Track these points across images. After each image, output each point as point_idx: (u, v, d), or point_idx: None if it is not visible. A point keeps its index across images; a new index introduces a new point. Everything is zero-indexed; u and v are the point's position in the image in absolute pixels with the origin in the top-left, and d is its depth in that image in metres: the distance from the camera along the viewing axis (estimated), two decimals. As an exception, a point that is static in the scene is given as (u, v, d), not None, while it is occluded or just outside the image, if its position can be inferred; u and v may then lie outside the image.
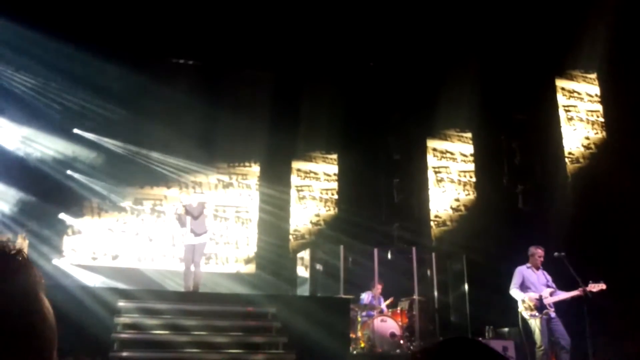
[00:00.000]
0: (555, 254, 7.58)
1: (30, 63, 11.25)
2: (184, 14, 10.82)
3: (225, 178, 13.27)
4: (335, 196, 13.56)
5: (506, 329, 9.55)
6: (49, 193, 11.40)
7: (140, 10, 10.66)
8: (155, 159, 12.48)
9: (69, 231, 11.87)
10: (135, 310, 7.64)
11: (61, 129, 11.74)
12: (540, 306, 7.45)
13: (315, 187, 13.58)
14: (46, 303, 0.82)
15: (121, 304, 7.62)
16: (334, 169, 13.78)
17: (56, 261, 11.45)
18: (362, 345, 9.22)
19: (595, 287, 7.23)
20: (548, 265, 7.82)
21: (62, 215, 11.72)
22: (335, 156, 13.83)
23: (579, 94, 13.91)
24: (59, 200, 11.60)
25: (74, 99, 11.82)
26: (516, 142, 13.28)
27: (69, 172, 11.81)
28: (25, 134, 11.54)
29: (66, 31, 10.43)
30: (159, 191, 12.56)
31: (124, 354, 6.98)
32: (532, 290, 7.61)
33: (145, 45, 11.51)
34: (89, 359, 6.54)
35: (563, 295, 7.52)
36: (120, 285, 10.03)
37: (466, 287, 11.40)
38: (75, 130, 12.02)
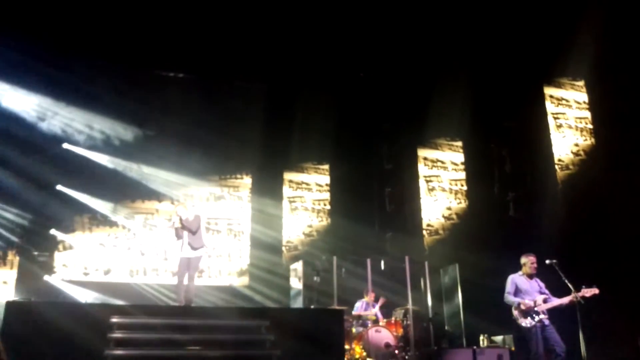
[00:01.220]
0: (547, 261, 7.59)
1: (19, 76, 11.20)
2: (175, 26, 10.82)
3: (217, 190, 13.25)
4: (328, 207, 13.57)
5: (500, 337, 9.55)
6: (39, 209, 11.32)
7: (131, 23, 10.64)
8: (146, 172, 12.43)
9: (60, 247, 11.78)
10: (128, 326, 7.55)
11: (50, 144, 11.67)
12: (533, 313, 7.46)
13: (307, 198, 13.59)
14: None
15: (114, 319, 7.53)
16: (325, 179, 13.81)
17: (47, 277, 11.35)
18: (357, 356, 9.18)
19: (588, 292, 7.25)
20: (540, 272, 7.83)
21: (53, 231, 11.63)
22: (327, 167, 13.87)
23: (567, 101, 14.04)
24: (49, 216, 11.52)
25: (62, 113, 11.77)
26: (506, 150, 13.38)
27: (58, 187, 11.73)
28: (13, 149, 11.46)
29: (55, 43, 10.42)
30: (150, 205, 12.51)
31: (117, 370, 6.89)
32: (526, 297, 7.61)
33: (136, 57, 11.50)
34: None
35: (556, 301, 7.52)
36: (113, 301, 9.95)
37: (460, 295, 11.41)
38: (65, 145, 11.95)
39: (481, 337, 9.64)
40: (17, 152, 11.08)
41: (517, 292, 7.71)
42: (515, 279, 7.81)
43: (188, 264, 8.75)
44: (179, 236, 8.79)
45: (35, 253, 11.32)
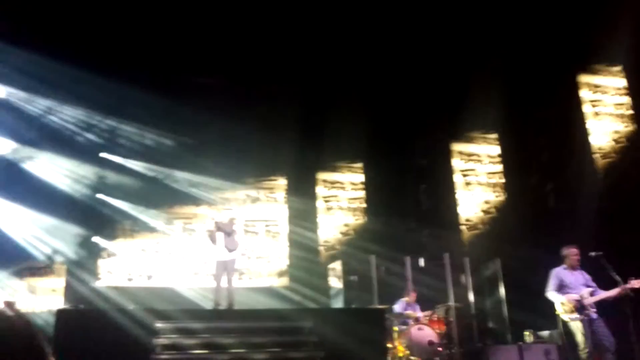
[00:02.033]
0: (592, 253, 7.38)
1: (56, 91, 11.50)
2: (208, 33, 10.94)
3: (253, 193, 13.36)
4: (363, 205, 13.54)
5: (547, 332, 9.36)
6: (82, 217, 11.63)
7: (162, 31, 10.80)
8: (184, 178, 12.64)
9: (104, 254, 12.07)
10: (172, 330, 7.70)
11: (89, 154, 11.96)
12: (580, 307, 7.26)
13: (342, 197, 13.59)
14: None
15: (159, 325, 7.69)
16: (360, 177, 13.78)
17: (93, 284, 11.64)
18: (400, 354, 9.13)
19: (637, 283, 7.03)
20: (585, 265, 7.63)
21: (96, 239, 11.92)
22: (360, 165, 13.84)
23: (604, 87, 13.66)
24: (91, 224, 11.82)
25: (100, 123, 12.06)
26: (543, 140, 13.09)
27: (99, 195, 12.02)
28: (55, 161, 11.79)
29: (90, 58, 10.65)
30: (188, 210, 12.70)
31: (164, 374, 7.03)
32: (571, 291, 7.42)
33: (169, 66, 11.68)
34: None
35: (603, 294, 7.31)
36: (156, 305, 10.13)
37: (502, 290, 11.23)
38: (102, 154, 12.23)
39: (526, 333, 9.45)
40: (59, 161, 11.39)
41: (562, 286, 7.52)
42: (559, 273, 7.62)
43: (224, 266, 8.87)
44: (213, 240, 8.92)
45: (81, 261, 11.62)
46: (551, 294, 7.49)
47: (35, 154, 11.74)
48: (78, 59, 10.40)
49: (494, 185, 13.57)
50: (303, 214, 13.25)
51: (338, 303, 11.44)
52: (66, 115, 11.89)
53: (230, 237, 8.94)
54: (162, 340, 7.52)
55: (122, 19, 10.56)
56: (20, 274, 10.98)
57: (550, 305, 7.67)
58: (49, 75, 10.86)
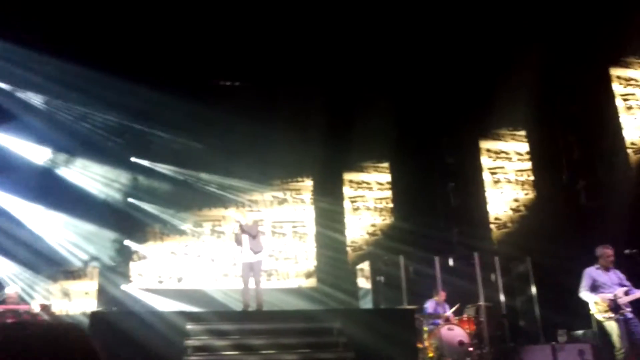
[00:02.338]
0: (627, 251, 7.23)
1: (88, 98, 11.74)
2: (231, 35, 11.02)
3: (280, 194, 13.43)
4: (390, 205, 13.48)
5: (581, 332, 9.18)
6: (113, 221, 11.85)
7: (189, 38, 10.93)
8: (211, 181, 12.79)
9: (135, 257, 12.27)
10: (203, 332, 7.78)
11: (120, 159, 12.19)
12: (614, 307, 7.11)
13: (368, 197, 13.56)
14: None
15: (189, 326, 7.78)
16: (386, 177, 13.73)
17: (124, 286, 11.85)
18: (431, 355, 9.08)
19: (674, 282, 6.86)
20: (620, 263, 7.47)
21: (127, 242, 12.13)
22: (386, 164, 13.78)
23: (636, 81, 13.33)
24: (122, 228, 12.04)
25: (131, 128, 12.27)
26: (573, 136, 12.83)
27: (130, 199, 12.23)
28: (87, 166, 12.04)
29: (119, 64, 10.84)
30: (217, 212, 12.83)
31: (196, 375, 7.11)
32: (605, 291, 7.26)
33: (197, 71, 11.81)
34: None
35: (639, 293, 7.15)
36: (187, 307, 10.27)
37: (534, 289, 11.05)
38: (133, 159, 12.45)
39: (559, 332, 9.28)
40: (92, 167, 11.63)
41: (595, 285, 7.37)
42: (592, 273, 7.45)
43: (251, 268, 8.92)
44: (239, 242, 8.97)
45: (112, 264, 11.85)
46: (585, 294, 7.34)
47: (70, 160, 12.00)
48: (109, 66, 10.60)
49: (523, 183, 13.36)
50: (330, 214, 13.26)
51: (367, 304, 11.41)
52: (98, 121, 12.12)
53: (256, 240, 8.98)
54: (193, 342, 7.61)
55: (152, 28, 10.71)
56: (55, 277, 11.24)
57: (584, 304, 7.53)
58: (81, 82, 11.08)
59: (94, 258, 11.61)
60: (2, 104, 11.29)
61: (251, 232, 8.96)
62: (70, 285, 11.43)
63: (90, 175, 12.08)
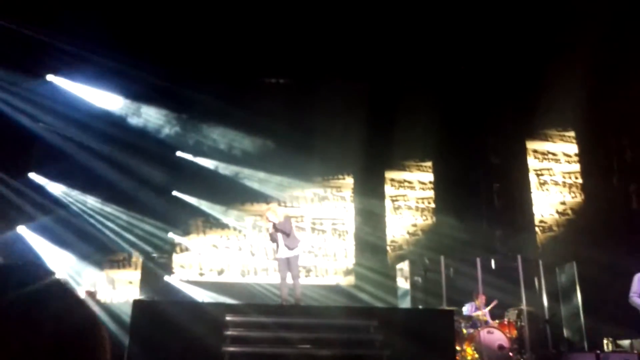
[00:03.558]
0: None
1: (131, 91, 12.04)
2: (274, 32, 11.09)
3: (321, 191, 13.46)
4: (432, 205, 13.31)
5: (628, 342, 8.84)
6: (158, 213, 12.12)
7: (229, 34, 11.06)
8: (254, 176, 12.92)
9: (178, 249, 12.54)
10: (241, 324, 7.88)
11: (165, 152, 12.45)
12: (666, 315, 6.84)
13: (410, 197, 13.43)
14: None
15: (229, 318, 7.88)
16: (429, 177, 13.56)
17: (167, 278, 12.12)
18: (469, 358, 8.92)
19: None
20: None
21: (170, 234, 12.40)
22: (429, 164, 13.62)
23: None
24: (166, 220, 12.31)
25: (175, 123, 12.53)
26: (626, 138, 12.37)
27: (174, 192, 12.49)
28: (134, 159, 12.34)
29: (164, 59, 11.08)
30: (258, 207, 12.96)
31: (234, 366, 7.20)
32: (656, 297, 7.01)
33: (240, 67, 11.95)
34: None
35: (691, 302, 6.86)
36: (227, 300, 10.42)
37: (579, 295, 10.71)
38: (178, 153, 12.71)
39: (605, 341, 8.96)
40: (137, 160, 11.93)
41: (646, 291, 7.12)
42: (643, 278, 7.21)
43: (287, 264, 8.93)
44: (274, 240, 8.99)
45: (156, 255, 12.14)
46: (634, 299, 7.10)
47: (118, 153, 12.31)
48: (160, 65, 10.86)
49: (571, 185, 12.97)
50: (370, 213, 13.21)
51: (405, 303, 11.31)
52: (147, 116, 12.41)
53: (290, 236, 8.98)
54: (231, 333, 7.71)
55: (198, 26, 10.90)
56: (101, 265, 11.61)
57: (632, 313, 7.27)
58: (135, 78, 11.36)
59: (138, 249, 11.91)
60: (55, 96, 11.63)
61: (285, 229, 8.94)
62: (115, 274, 11.79)
63: (136, 168, 12.37)
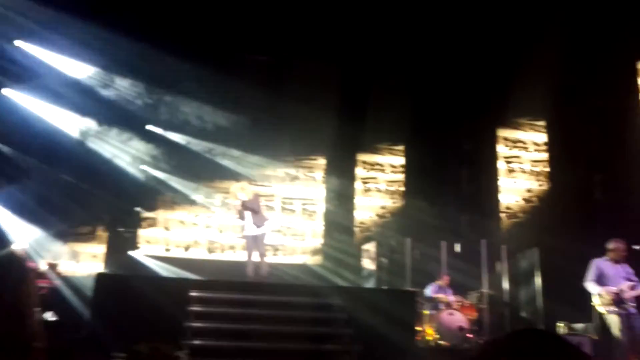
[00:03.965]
0: (636, 246, 7.15)
1: (105, 61, 11.76)
2: (250, 9, 10.93)
3: (292, 171, 13.45)
4: (402, 188, 13.43)
5: (581, 325, 9.13)
6: (125, 188, 11.95)
7: (206, 5, 10.86)
8: (225, 153, 12.82)
9: (144, 224, 12.40)
10: (206, 300, 7.87)
11: (135, 126, 12.24)
12: (618, 301, 7.05)
13: (380, 179, 13.52)
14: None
15: (193, 293, 7.87)
16: (400, 160, 13.66)
17: (132, 252, 12.00)
18: (429, 338, 9.10)
19: (683, 280, 6.78)
20: (629, 259, 7.38)
21: (137, 209, 12.26)
22: (401, 147, 13.71)
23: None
24: (134, 195, 12.15)
25: (146, 95, 12.30)
26: (594, 130, 12.61)
27: (142, 167, 12.32)
28: (100, 130, 12.12)
29: (140, 29, 10.82)
30: (228, 184, 12.82)
31: (196, 342, 7.20)
32: (610, 284, 7.19)
33: (214, 41, 11.75)
34: (163, 346, 6.80)
35: (645, 289, 7.08)
36: (192, 277, 10.38)
37: (539, 281, 10.98)
38: (148, 127, 12.51)
39: (560, 325, 9.24)
40: (105, 132, 11.71)
41: (602, 278, 7.31)
42: (600, 264, 7.39)
43: (254, 241, 8.95)
44: (242, 217, 8.99)
45: (122, 229, 11.99)
46: (589, 285, 7.30)
47: (87, 124, 12.07)
48: (132, 31, 10.59)
49: (538, 173, 13.21)
50: (340, 194, 13.26)
51: (370, 284, 11.45)
52: (117, 86, 12.15)
53: (259, 214, 8.99)
54: (195, 309, 7.70)
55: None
56: (64, 238, 11.41)
57: (587, 298, 7.48)
58: (103, 44, 11.06)
59: (104, 222, 11.74)
60: (24, 62, 11.31)
61: (253, 206, 8.94)
62: (79, 247, 11.62)
63: (105, 140, 12.17)
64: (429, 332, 9.11)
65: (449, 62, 12.54)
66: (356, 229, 13.01)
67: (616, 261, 7.34)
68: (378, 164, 13.68)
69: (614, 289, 7.08)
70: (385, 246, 11.40)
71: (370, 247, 11.96)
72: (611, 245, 7.39)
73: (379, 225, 13.05)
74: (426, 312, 9.39)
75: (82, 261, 11.48)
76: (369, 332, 7.45)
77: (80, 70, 11.90)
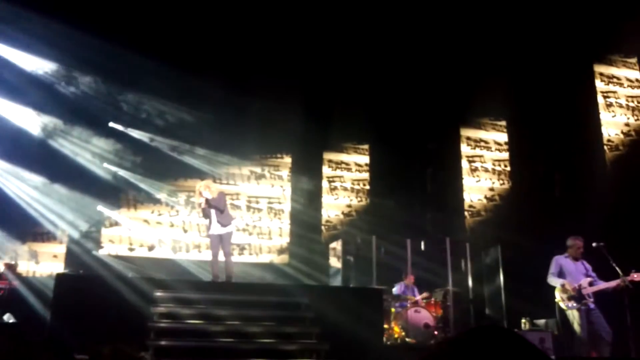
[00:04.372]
0: (594, 243, 7.36)
1: (66, 58, 11.45)
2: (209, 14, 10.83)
3: (258, 169, 13.37)
4: (367, 187, 13.52)
5: (543, 321, 9.35)
6: (87, 186, 11.66)
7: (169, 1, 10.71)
8: (189, 151, 12.64)
9: (107, 223, 12.13)
10: (170, 300, 7.76)
11: (97, 123, 11.95)
12: (578, 296, 7.27)
13: (346, 178, 13.58)
14: None
15: (157, 294, 7.74)
16: (365, 159, 13.75)
17: (95, 252, 11.72)
18: (396, 335, 9.18)
19: (638, 276, 7.01)
20: (588, 256, 7.61)
21: (100, 208, 11.97)
22: (366, 146, 13.80)
23: (618, 79, 13.47)
24: (96, 193, 11.85)
25: (109, 93, 12.03)
26: (554, 130, 12.94)
27: (105, 165, 12.04)
28: (61, 128, 11.79)
29: (101, 25, 10.57)
30: (192, 183, 12.65)
31: (161, 342, 7.09)
32: (570, 280, 7.42)
33: (178, 38, 11.58)
34: (127, 346, 6.66)
35: (603, 285, 7.30)
36: (156, 276, 10.20)
37: (502, 278, 11.21)
38: (111, 124, 12.23)
39: (523, 320, 9.45)
40: (67, 130, 11.40)
41: (562, 274, 7.54)
42: (560, 261, 7.63)
43: (220, 240, 8.85)
44: (206, 215, 8.89)
45: (83, 229, 11.69)
46: (552, 279, 7.52)
47: (49, 121, 11.73)
48: (96, 28, 10.34)
49: (500, 172, 13.49)
50: (307, 192, 13.25)
51: (337, 282, 11.47)
52: (79, 83, 11.84)
53: (224, 213, 8.89)
54: (160, 309, 7.58)
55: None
56: (23, 238, 11.06)
57: (549, 295, 7.67)
58: (64, 42, 10.77)
59: (65, 221, 11.42)
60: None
61: (218, 205, 8.83)
62: (38, 247, 11.27)
63: (66, 138, 11.84)
64: (396, 330, 9.19)
65: (413, 63, 12.66)
66: (323, 228, 13.02)
67: (575, 258, 7.57)
68: (344, 163, 13.74)
69: (574, 284, 7.29)
70: (352, 244, 11.45)
71: (337, 245, 11.99)
72: (569, 242, 7.63)
73: (345, 223, 13.10)
74: (393, 310, 9.47)
75: (43, 261, 11.14)
76: (336, 330, 7.46)
77: (40, 66, 11.56)
